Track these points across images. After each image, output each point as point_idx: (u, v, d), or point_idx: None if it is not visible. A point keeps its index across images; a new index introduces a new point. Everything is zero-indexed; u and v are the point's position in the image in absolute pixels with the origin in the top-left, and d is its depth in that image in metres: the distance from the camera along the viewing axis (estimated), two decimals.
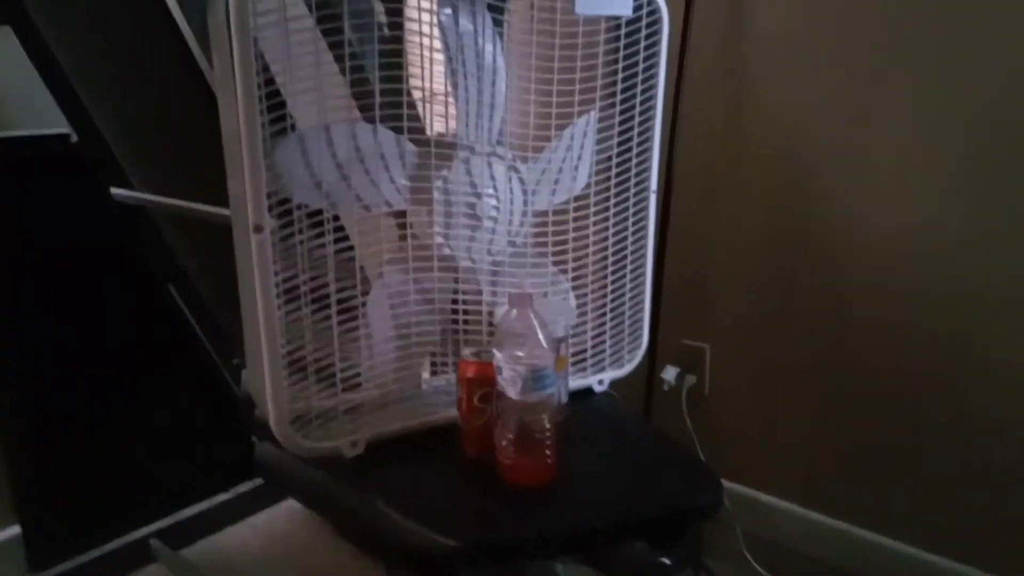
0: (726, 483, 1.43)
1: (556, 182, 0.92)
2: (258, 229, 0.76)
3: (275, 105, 0.75)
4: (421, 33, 0.82)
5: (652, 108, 0.94)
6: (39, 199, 1.35)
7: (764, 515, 1.43)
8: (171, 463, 1.53)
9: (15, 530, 1.38)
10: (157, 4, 0.89)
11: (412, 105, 0.84)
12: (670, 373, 1.49)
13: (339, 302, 0.82)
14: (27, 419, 1.35)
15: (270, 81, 0.75)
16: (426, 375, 0.95)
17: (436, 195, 0.85)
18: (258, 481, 1.60)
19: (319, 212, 0.80)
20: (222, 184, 0.86)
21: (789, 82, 1.28)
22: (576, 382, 0.98)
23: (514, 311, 0.78)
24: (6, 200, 1.31)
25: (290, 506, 1.68)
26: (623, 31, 0.89)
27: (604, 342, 1.00)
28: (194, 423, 1.56)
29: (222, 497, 1.63)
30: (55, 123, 1.32)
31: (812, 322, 1.34)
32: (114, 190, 1.32)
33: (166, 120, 1.13)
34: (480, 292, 0.92)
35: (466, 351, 0.85)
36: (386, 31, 0.84)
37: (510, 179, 0.89)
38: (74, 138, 1.33)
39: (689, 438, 1.48)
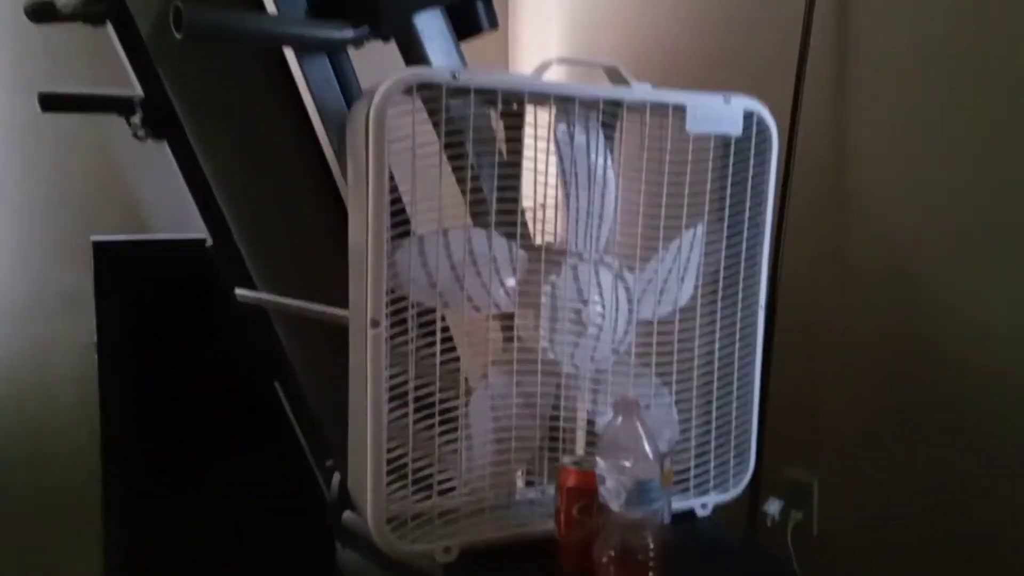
0: None
1: (662, 293, 0.92)
2: (375, 324, 0.79)
3: (398, 211, 0.81)
4: (536, 148, 0.87)
5: (760, 223, 0.94)
6: (172, 295, 1.46)
7: None
8: (258, 560, 1.53)
9: None
10: (299, 117, 0.99)
11: (524, 213, 0.88)
12: (774, 506, 1.39)
13: (442, 407, 0.83)
14: (129, 497, 1.40)
15: (394, 188, 0.81)
16: (520, 485, 0.94)
17: (543, 300, 0.86)
18: None
19: (429, 313, 0.83)
20: (338, 286, 0.91)
21: (896, 196, 1.26)
22: (678, 504, 0.93)
23: (619, 418, 0.76)
24: (137, 297, 1.43)
25: None
26: (732, 148, 0.91)
27: (708, 462, 0.95)
28: (279, 522, 1.57)
29: None
30: (191, 229, 1.46)
31: (934, 453, 1.24)
32: (239, 291, 1.42)
33: (292, 224, 1.23)
34: (581, 400, 0.91)
35: (566, 459, 0.83)
36: (504, 148, 0.90)
37: (616, 288, 0.90)
38: (209, 242, 1.46)
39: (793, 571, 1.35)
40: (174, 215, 1.50)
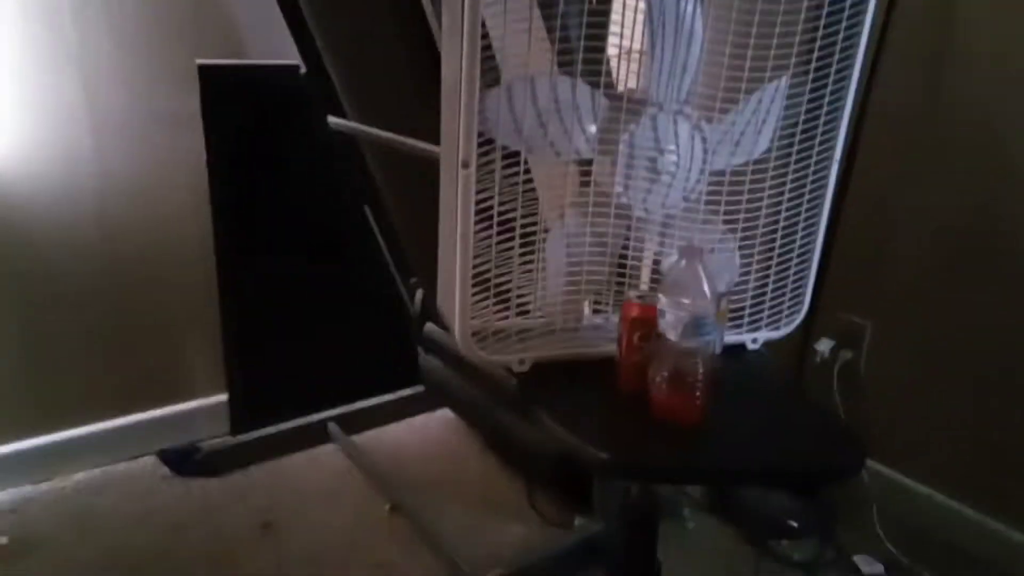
0: (868, 461, 1.43)
1: (737, 144, 0.95)
2: (466, 165, 0.87)
3: (488, 58, 0.85)
4: None
5: (846, 81, 0.94)
6: (267, 120, 1.56)
7: (903, 497, 1.41)
8: (351, 361, 1.75)
9: (223, 397, 1.66)
10: None
11: (608, 62, 0.91)
12: (824, 345, 1.48)
13: (523, 233, 0.92)
14: (241, 307, 1.60)
15: (485, 35, 0.85)
16: (587, 312, 1.04)
17: (621, 147, 0.92)
18: (418, 388, 1.79)
19: (516, 154, 0.89)
20: (427, 122, 0.97)
21: (994, 74, 1.21)
22: (731, 337, 1.03)
23: (683, 262, 0.84)
24: (240, 118, 1.53)
25: (444, 415, 1.86)
26: (827, 5, 0.90)
27: (764, 302, 1.04)
28: (371, 330, 1.76)
29: (388, 397, 1.85)
30: (287, 56, 1.52)
31: (983, 311, 1.29)
32: (331, 119, 1.50)
33: (387, 62, 1.27)
34: (649, 241, 0.99)
35: (632, 293, 0.93)
36: None
37: (693, 138, 0.94)
38: (303, 70, 1.52)
39: (836, 411, 1.48)
40: (270, 42, 1.56)
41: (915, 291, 1.38)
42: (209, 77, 1.47)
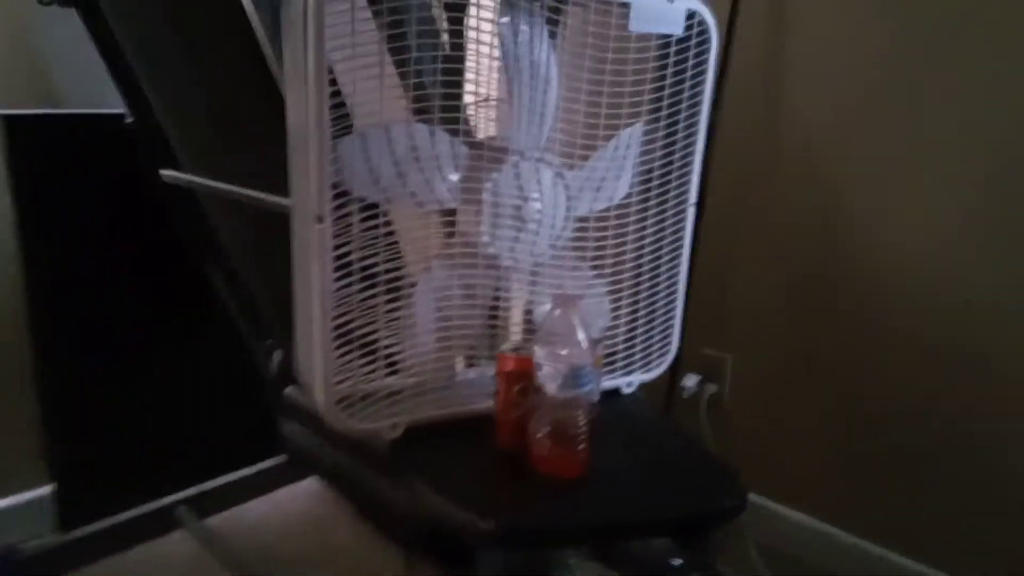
0: None
1: (598, 189, 0.96)
2: (320, 219, 0.80)
3: (338, 105, 0.80)
4: (479, 41, 0.86)
5: (696, 123, 0.97)
6: (90, 175, 1.40)
7: (777, 525, 1.46)
8: (199, 435, 1.59)
9: (48, 489, 1.44)
10: (230, 5, 0.94)
11: (466, 109, 0.88)
12: (691, 380, 1.52)
13: (388, 288, 0.86)
14: (66, 382, 1.41)
15: (333, 82, 0.80)
16: (460, 367, 1.00)
17: (485, 196, 0.89)
18: (280, 458, 1.65)
19: (375, 205, 0.84)
20: (274, 172, 0.90)
21: (822, 102, 1.31)
22: (606, 383, 1.02)
23: (557, 311, 0.82)
24: (58, 174, 1.37)
25: (309, 485, 1.73)
26: (673, 48, 0.93)
27: (635, 345, 1.04)
28: (222, 399, 1.61)
29: (245, 471, 1.69)
30: (107, 104, 1.38)
31: (834, 336, 1.37)
32: (164, 171, 1.37)
33: (222, 107, 1.18)
34: (519, 291, 0.96)
35: (506, 346, 0.89)
36: (446, 40, 0.89)
37: (555, 184, 0.93)
38: (129, 119, 1.39)
39: (707, 445, 1.51)
40: (87, 89, 1.41)
41: (767, 322, 1.46)
42: (17, 129, 1.31)
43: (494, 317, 0.96)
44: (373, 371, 0.89)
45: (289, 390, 1.45)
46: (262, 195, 1.09)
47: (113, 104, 1.37)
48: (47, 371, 1.38)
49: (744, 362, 1.50)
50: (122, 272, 1.45)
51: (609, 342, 1.01)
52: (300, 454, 1.55)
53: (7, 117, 1.30)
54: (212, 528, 1.56)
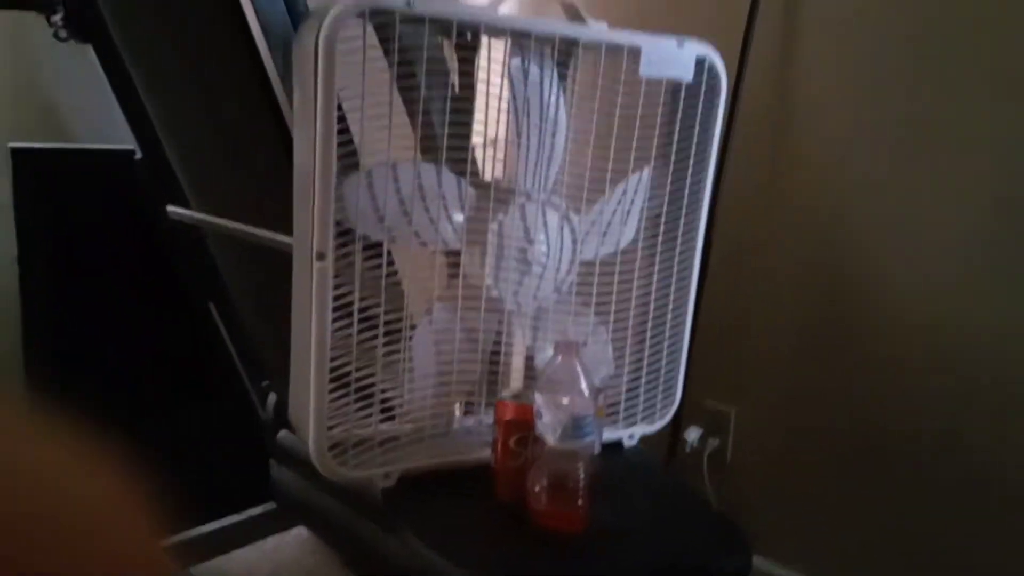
0: None
1: (605, 234, 0.94)
2: (321, 257, 0.78)
3: (346, 143, 0.79)
4: (489, 82, 0.86)
5: (704, 168, 0.96)
6: (95, 210, 1.40)
7: None
8: (187, 481, 1.54)
9: None
10: (241, 33, 0.94)
11: (473, 150, 0.87)
12: (693, 434, 1.48)
13: (386, 327, 0.84)
14: (65, 425, 1.37)
15: (342, 119, 0.79)
16: (458, 414, 0.97)
17: (490, 238, 0.87)
18: (270, 506, 1.60)
19: (377, 244, 0.82)
20: (279, 211, 0.89)
21: (832, 146, 1.31)
22: (608, 435, 0.98)
23: (559, 358, 0.79)
24: (64, 208, 1.36)
25: (299, 534, 1.67)
26: (683, 94, 0.93)
27: (638, 396, 1.01)
28: (212, 442, 1.57)
29: (234, 518, 1.63)
30: (116, 141, 1.38)
31: (844, 391, 1.34)
32: (170, 208, 1.37)
33: (231, 146, 1.18)
34: (521, 336, 0.94)
35: (505, 393, 0.86)
36: (456, 80, 0.89)
37: (562, 228, 0.91)
38: (138, 155, 1.39)
39: (709, 501, 1.46)
40: (98, 124, 1.42)
41: (772, 373, 1.42)
42: (24, 162, 1.31)
43: (495, 363, 0.93)
44: (368, 416, 0.86)
45: (282, 435, 1.41)
46: (265, 232, 1.08)
47: (122, 141, 1.38)
48: (38, 409, 1.35)
49: (748, 415, 1.46)
50: (120, 309, 1.43)
51: (612, 392, 0.98)
52: (290, 501, 1.51)
53: (15, 150, 1.30)
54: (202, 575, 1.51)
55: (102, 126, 1.39)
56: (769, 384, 1.43)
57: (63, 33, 1.28)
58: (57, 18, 1.21)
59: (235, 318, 1.50)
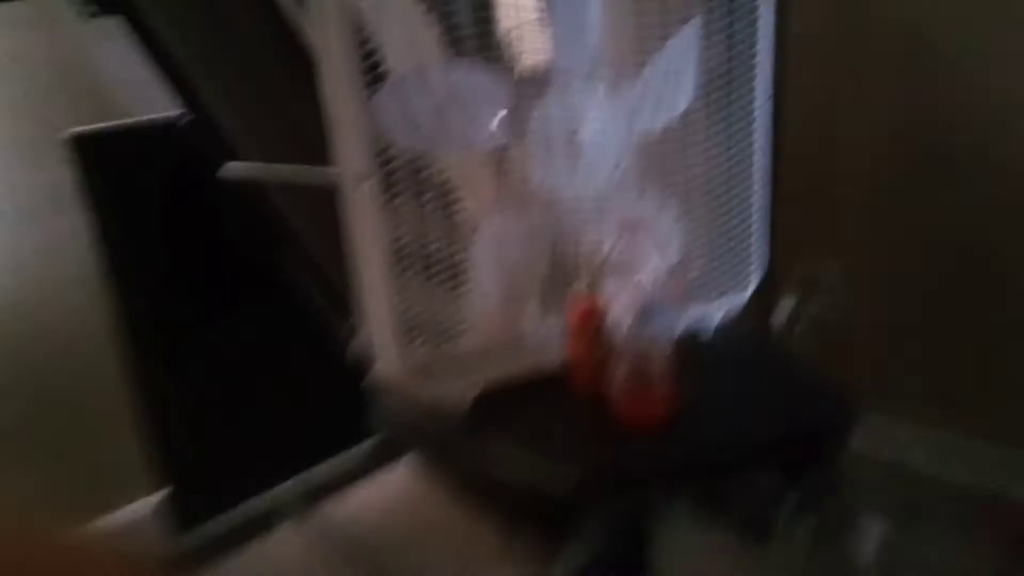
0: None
1: (658, 102, 0.87)
2: (363, 178, 0.76)
3: (369, 55, 0.75)
4: None
5: (756, 7, 0.86)
6: (155, 180, 1.43)
7: (896, 442, 1.34)
8: (296, 425, 1.61)
9: (159, 496, 1.49)
10: None
11: (505, 38, 0.82)
12: (788, 301, 1.40)
13: (445, 255, 0.82)
14: (164, 389, 1.45)
15: (368, 41, 0.75)
16: (533, 317, 0.94)
17: (533, 127, 0.82)
18: (375, 441, 1.65)
19: (419, 160, 0.79)
20: (325, 146, 0.87)
21: None
22: (691, 312, 0.94)
23: (623, 239, 0.75)
24: (124, 184, 1.39)
25: (406, 465, 1.72)
26: None
27: (718, 268, 0.95)
28: (311, 385, 1.62)
29: (345, 456, 1.70)
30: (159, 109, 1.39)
31: (947, 238, 1.23)
32: (228, 165, 1.38)
33: (269, 90, 1.17)
34: (585, 226, 0.89)
35: (575, 286, 0.83)
36: None
37: (611, 103, 0.85)
38: (184, 119, 1.40)
39: (814, 368, 1.39)
40: (139, 97, 1.43)
41: (873, 226, 1.31)
42: (84, 146, 1.34)
43: (561, 259, 0.89)
44: (441, 334, 0.85)
45: (374, 367, 1.44)
46: (312, 170, 1.06)
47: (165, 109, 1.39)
48: (145, 381, 1.42)
49: (849, 272, 1.36)
50: (202, 271, 1.48)
51: (690, 267, 0.93)
52: (392, 431, 1.55)
53: (77, 136, 1.34)
54: (320, 516, 1.59)
55: (144, 98, 1.40)
56: (868, 238, 1.32)
57: (92, 10, 1.28)
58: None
59: (310, 262, 1.52)
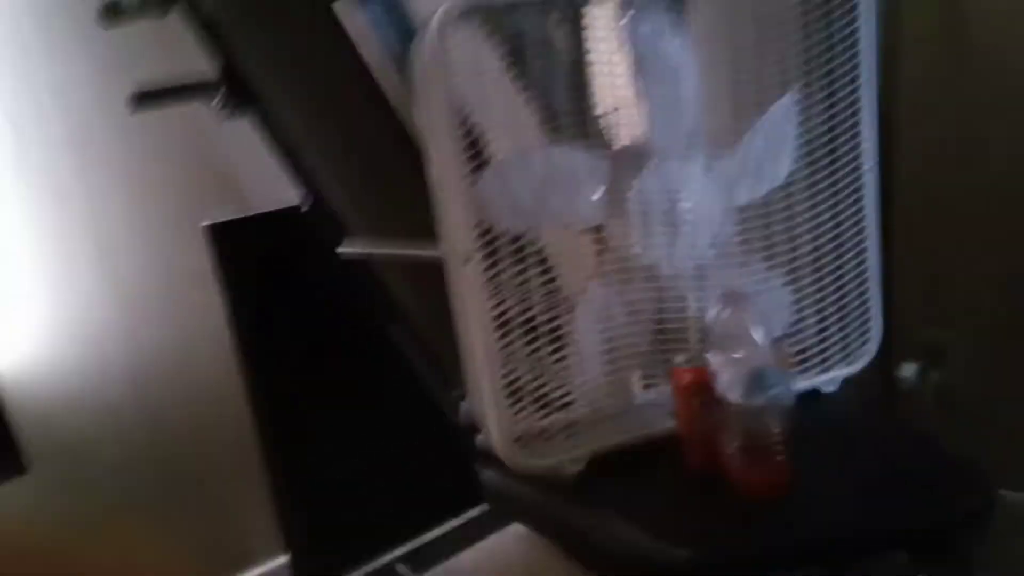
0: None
1: (757, 173, 0.87)
2: (467, 258, 0.80)
3: (473, 141, 0.80)
4: (602, 48, 0.83)
5: (856, 78, 0.86)
6: (279, 264, 1.54)
7: None
8: (409, 492, 1.65)
9: (280, 560, 1.56)
10: (365, 73, 0.98)
11: (600, 118, 0.85)
12: (910, 369, 1.33)
13: (548, 327, 0.84)
14: (290, 459, 1.53)
15: (467, 121, 0.81)
16: (637, 389, 0.94)
17: (630, 205, 0.84)
18: (485, 506, 1.66)
19: (521, 239, 0.83)
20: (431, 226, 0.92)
21: (1015, 21, 1.12)
22: (801, 383, 0.91)
23: (726, 312, 0.75)
24: (252, 270, 1.51)
25: (516, 530, 1.72)
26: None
27: (828, 337, 0.92)
28: (423, 454, 1.66)
29: (453, 523, 1.72)
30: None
31: None
32: (342, 248, 1.47)
33: (378, 173, 1.25)
34: (685, 299, 0.89)
35: (679, 358, 0.83)
36: (564, 54, 0.87)
37: (706, 177, 0.86)
38: (305, 207, 1.51)
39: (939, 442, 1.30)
40: (264, 188, 1.57)
41: (998, 288, 1.24)
42: (217, 236, 1.47)
43: (664, 331, 0.89)
44: (546, 405, 0.86)
45: (479, 437, 1.46)
46: (420, 250, 1.12)
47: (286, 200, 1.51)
48: (274, 450, 1.51)
49: (974, 340, 1.28)
50: (323, 348, 1.57)
51: (798, 337, 0.90)
52: (498, 499, 1.56)
53: (211, 227, 1.48)
54: None
55: (267, 189, 1.54)
56: (993, 301, 1.24)
57: (226, 113, 1.43)
58: (215, 103, 1.36)
59: (419, 335, 1.58)
